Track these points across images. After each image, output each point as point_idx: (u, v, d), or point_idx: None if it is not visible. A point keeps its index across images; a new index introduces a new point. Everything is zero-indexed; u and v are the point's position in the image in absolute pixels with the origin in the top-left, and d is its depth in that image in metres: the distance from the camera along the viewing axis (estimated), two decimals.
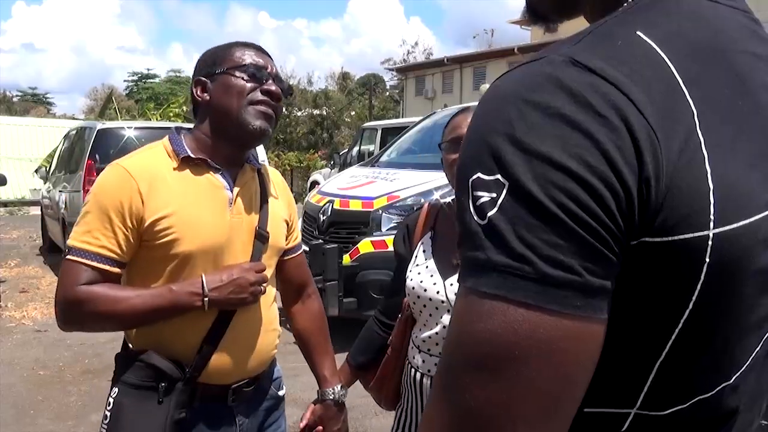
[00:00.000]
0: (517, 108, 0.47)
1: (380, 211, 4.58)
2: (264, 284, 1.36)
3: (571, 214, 0.44)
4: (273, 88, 1.35)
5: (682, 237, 0.46)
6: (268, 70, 1.37)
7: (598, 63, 0.47)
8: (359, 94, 33.99)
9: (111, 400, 1.29)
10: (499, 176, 0.46)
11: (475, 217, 0.47)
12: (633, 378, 0.52)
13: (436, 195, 4.63)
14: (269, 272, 1.44)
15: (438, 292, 1.50)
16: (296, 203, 1.69)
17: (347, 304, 4.44)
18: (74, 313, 1.29)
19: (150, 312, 1.27)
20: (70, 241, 1.29)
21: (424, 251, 1.58)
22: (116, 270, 1.29)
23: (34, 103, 47.07)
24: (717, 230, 0.47)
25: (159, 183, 1.29)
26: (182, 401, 1.28)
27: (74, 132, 8.38)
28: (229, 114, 1.33)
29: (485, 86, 7.84)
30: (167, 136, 1.39)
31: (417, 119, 9.31)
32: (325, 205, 4.93)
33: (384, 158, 6.09)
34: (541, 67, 0.49)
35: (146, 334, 1.33)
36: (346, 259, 4.52)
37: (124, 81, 49.40)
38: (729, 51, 0.53)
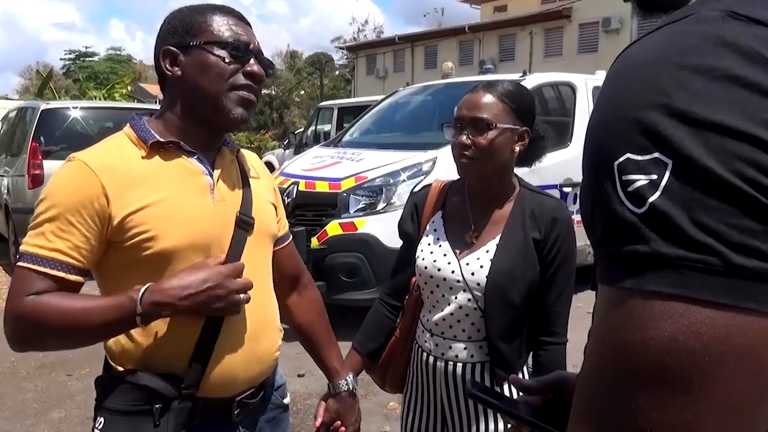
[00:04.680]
0: (671, 75, 0.40)
1: (348, 193, 4.49)
2: (248, 291, 1.16)
3: (766, 191, 0.37)
4: (256, 69, 1.20)
5: None
6: (251, 46, 1.21)
7: (765, 13, 0.40)
8: (308, 73, 33.49)
9: None
10: (657, 154, 0.39)
11: (629, 205, 0.40)
12: None
13: (404, 176, 4.58)
14: (265, 262, 1.31)
15: (453, 272, 1.45)
16: None
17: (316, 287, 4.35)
18: (21, 328, 1.12)
19: (106, 326, 1.11)
20: (21, 247, 1.14)
21: (435, 230, 1.53)
22: (74, 278, 1.13)
23: None
24: None
25: (125, 176, 1.14)
26: (182, 421, 1.15)
27: (14, 113, 7.93)
28: (206, 98, 1.18)
29: (448, 64, 7.73)
30: (128, 124, 1.23)
31: (373, 98, 9.22)
32: (289, 186, 4.79)
33: (347, 138, 5.98)
34: (691, 26, 0.42)
35: (132, 350, 1.18)
36: (314, 242, 4.41)
37: (61, 59, 47.29)
38: None
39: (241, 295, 1.14)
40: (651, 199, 0.39)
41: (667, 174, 0.39)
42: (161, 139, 1.19)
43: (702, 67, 0.39)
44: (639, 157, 0.40)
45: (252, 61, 1.21)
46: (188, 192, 1.19)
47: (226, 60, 1.18)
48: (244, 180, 1.30)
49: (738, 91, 0.38)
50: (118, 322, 1.10)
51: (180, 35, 1.20)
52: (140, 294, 1.09)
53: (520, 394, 0.86)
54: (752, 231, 0.37)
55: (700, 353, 0.37)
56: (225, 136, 1.30)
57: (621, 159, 0.41)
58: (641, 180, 0.40)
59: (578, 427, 0.44)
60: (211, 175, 1.23)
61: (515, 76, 5.30)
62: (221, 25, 1.20)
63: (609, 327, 0.42)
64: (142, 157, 1.17)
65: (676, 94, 0.39)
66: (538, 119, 1.51)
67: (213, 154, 1.26)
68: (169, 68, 1.20)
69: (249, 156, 1.40)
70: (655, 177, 0.39)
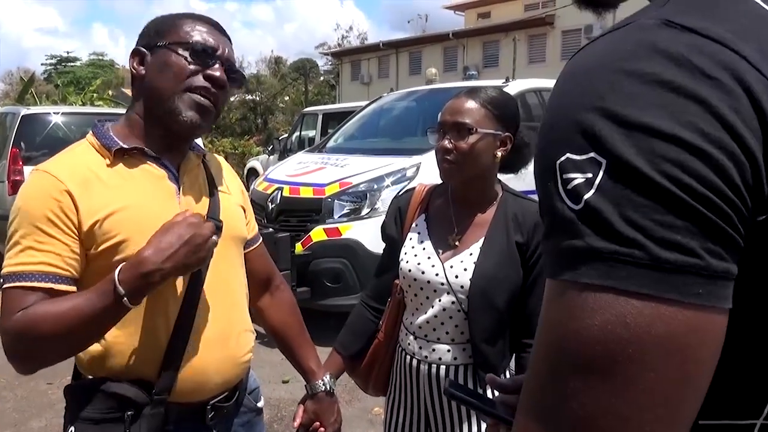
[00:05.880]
0: (608, 79, 0.42)
1: (332, 198, 4.48)
2: (217, 235, 1.14)
3: (687, 189, 0.39)
4: (218, 74, 1.17)
5: None
6: (219, 51, 1.19)
7: (698, 22, 0.42)
8: (293, 79, 33.45)
9: None
10: (593, 154, 0.41)
11: (568, 202, 0.42)
12: (760, 380, 0.47)
13: (388, 181, 4.58)
14: (234, 265, 1.31)
15: (437, 275, 1.46)
16: None
17: (300, 293, 4.33)
18: (20, 346, 1.07)
19: (99, 317, 1.05)
20: (3, 270, 1.10)
21: (419, 233, 1.54)
22: (64, 288, 1.09)
23: None
24: None
25: (91, 183, 1.12)
26: (154, 427, 1.13)
27: None
28: (160, 97, 1.16)
29: (432, 70, 7.76)
30: (90, 131, 1.21)
31: (357, 104, 9.21)
32: (273, 192, 4.79)
33: (331, 144, 5.97)
34: (629, 34, 0.44)
35: (100, 357, 1.15)
36: (299, 247, 4.40)
37: (42, 64, 46.77)
38: None
39: (213, 238, 1.12)
40: (586, 197, 0.41)
41: (601, 173, 0.41)
42: (125, 146, 1.18)
43: (636, 72, 0.41)
44: (577, 157, 0.42)
45: (216, 66, 1.19)
46: (154, 197, 1.18)
47: (187, 60, 1.16)
48: (210, 184, 1.29)
49: (666, 95, 0.40)
50: (107, 309, 1.04)
51: (151, 37, 1.21)
52: (116, 275, 1.04)
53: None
54: (675, 226, 0.39)
55: (627, 342, 0.39)
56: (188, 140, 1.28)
57: (562, 158, 0.43)
58: (579, 178, 0.42)
59: (522, 416, 0.45)
60: (177, 180, 1.22)
61: (498, 82, 5.33)
62: (191, 29, 1.19)
63: (550, 320, 0.44)
64: (107, 165, 1.16)
65: (611, 97, 0.41)
66: (523, 125, 1.52)
67: (179, 159, 1.25)
68: (136, 67, 1.21)
69: (216, 160, 1.40)
70: (590, 175, 0.41)
